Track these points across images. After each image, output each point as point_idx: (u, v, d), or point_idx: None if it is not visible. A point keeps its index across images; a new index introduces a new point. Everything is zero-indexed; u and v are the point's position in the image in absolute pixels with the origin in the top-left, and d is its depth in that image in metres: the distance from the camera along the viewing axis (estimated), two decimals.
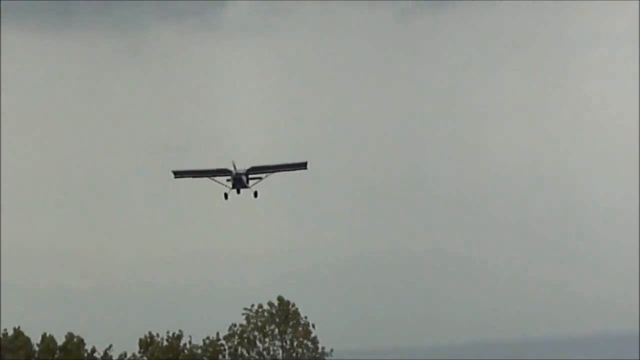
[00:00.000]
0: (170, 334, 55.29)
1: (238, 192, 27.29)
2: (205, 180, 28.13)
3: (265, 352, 55.26)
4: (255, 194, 28.05)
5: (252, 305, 55.32)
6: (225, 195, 27.57)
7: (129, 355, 56.38)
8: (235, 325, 55.13)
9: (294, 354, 54.98)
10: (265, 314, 55.35)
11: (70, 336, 56.13)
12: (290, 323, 54.81)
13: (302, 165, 27.59)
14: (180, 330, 55.46)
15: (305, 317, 55.39)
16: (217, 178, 27.46)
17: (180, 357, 56.49)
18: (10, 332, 57.64)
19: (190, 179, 28.77)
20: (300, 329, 55.46)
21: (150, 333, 55.73)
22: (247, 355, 54.89)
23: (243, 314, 55.22)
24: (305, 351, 55.30)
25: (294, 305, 56.23)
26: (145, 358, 55.45)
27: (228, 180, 27.00)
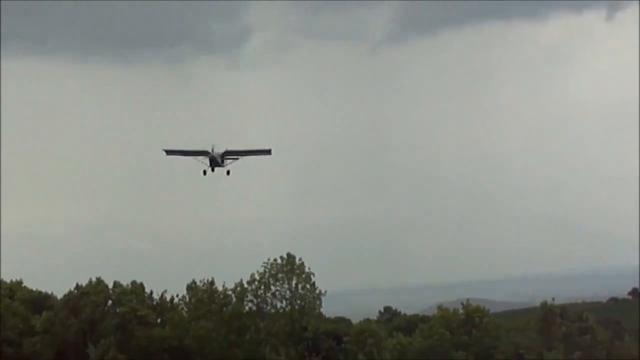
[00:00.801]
0: (206, 280, 74.22)
1: (212, 170, 31.27)
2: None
3: (277, 293, 74.32)
4: (228, 172, 31.87)
5: (268, 259, 74.11)
6: (204, 172, 31.56)
7: (179, 297, 76.57)
8: (255, 274, 73.80)
9: (297, 294, 74.09)
10: (277, 265, 73.75)
11: (134, 283, 75.47)
12: (296, 272, 72.90)
13: (267, 152, 31.80)
14: (212, 278, 74.65)
15: (309, 268, 73.89)
16: (199, 157, 31.41)
17: (214, 296, 75.84)
18: (94, 280, 77.17)
19: (179, 156, 33.13)
20: (304, 276, 73.53)
21: (193, 280, 74.56)
22: (263, 295, 74.21)
23: (262, 266, 73.67)
24: (306, 292, 74.09)
25: (300, 259, 74.84)
26: (191, 299, 75.84)
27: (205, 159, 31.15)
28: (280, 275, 74.47)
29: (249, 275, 75.41)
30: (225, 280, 76.25)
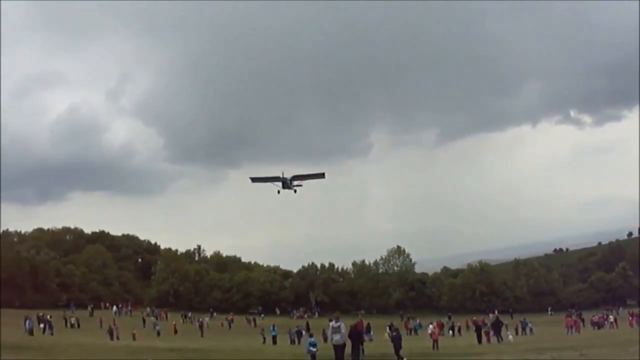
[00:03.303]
0: (359, 260, 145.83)
1: (283, 188, 36.91)
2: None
3: (393, 264, 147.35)
4: (295, 191, 37.34)
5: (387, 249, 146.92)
6: (278, 192, 37.14)
7: (348, 268, 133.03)
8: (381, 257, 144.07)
9: (403, 264, 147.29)
10: (392, 251, 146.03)
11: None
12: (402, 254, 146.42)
13: (322, 175, 37.05)
14: (363, 259, 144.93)
15: (408, 252, 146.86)
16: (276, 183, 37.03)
17: (365, 267, 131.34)
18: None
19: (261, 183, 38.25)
20: (405, 255, 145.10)
21: (354, 260, 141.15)
22: (387, 265, 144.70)
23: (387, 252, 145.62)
24: (407, 263, 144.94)
25: (404, 248, 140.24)
26: (355, 269, 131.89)
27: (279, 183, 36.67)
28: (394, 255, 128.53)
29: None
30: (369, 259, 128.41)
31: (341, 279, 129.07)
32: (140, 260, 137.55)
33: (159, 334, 66.81)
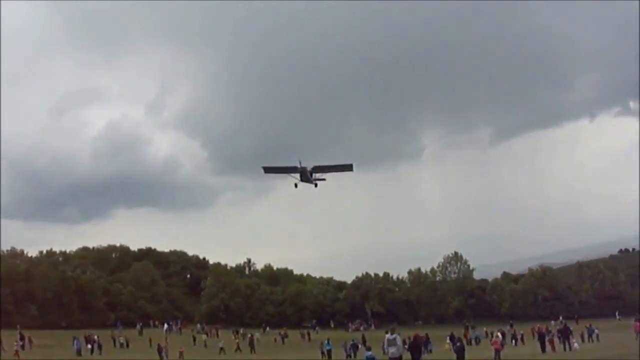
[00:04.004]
0: (415, 268, 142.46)
1: (302, 181, 31.95)
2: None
3: (450, 271, 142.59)
4: (316, 185, 32.47)
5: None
6: (295, 185, 32.07)
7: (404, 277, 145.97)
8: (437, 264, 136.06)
9: (461, 271, 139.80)
10: (449, 257, 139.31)
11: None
12: (459, 260, 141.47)
13: (349, 167, 31.99)
14: (419, 267, 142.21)
15: (466, 257, 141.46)
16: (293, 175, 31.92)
17: (421, 276, 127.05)
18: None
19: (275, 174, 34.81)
20: (463, 261, 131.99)
21: (410, 268, 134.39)
22: (444, 272, 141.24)
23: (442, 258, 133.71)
24: (465, 270, 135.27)
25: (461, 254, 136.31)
26: (410, 277, 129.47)
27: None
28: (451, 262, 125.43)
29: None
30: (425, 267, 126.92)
31: (397, 289, 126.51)
32: (189, 276, 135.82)
33: (222, 350, 66.16)
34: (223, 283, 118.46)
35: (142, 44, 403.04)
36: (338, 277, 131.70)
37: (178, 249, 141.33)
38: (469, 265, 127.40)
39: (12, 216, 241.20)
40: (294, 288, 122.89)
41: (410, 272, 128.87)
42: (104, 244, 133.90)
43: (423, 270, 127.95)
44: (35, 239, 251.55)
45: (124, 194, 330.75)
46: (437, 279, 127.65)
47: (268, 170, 34.12)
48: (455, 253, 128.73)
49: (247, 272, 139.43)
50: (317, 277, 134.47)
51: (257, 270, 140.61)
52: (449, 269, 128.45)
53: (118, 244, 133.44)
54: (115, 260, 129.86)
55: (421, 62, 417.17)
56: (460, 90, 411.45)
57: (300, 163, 31.86)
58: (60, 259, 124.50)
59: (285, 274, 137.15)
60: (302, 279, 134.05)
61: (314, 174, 32.88)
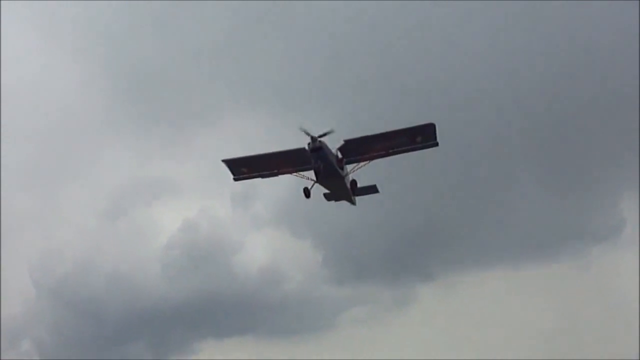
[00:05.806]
0: None
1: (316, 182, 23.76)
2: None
3: None
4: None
5: None
6: (307, 193, 24.56)
7: None
8: None
9: None
10: None
11: None
12: None
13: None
14: None
15: None
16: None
17: None
18: None
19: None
20: None
21: None
22: None
23: None
24: None
25: None
26: None
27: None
28: None
29: None
30: None
31: None
32: None
33: None
34: None
35: (215, 117, 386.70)
36: None
37: None
38: None
39: None
40: None
41: None
42: None
43: None
44: None
45: (211, 321, 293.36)
46: None
47: (237, 179, 28.10)
48: None
49: None
50: None
51: None
52: None
53: None
54: None
55: (605, 100, 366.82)
56: None
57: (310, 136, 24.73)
58: None
59: None
60: None
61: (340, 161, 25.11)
